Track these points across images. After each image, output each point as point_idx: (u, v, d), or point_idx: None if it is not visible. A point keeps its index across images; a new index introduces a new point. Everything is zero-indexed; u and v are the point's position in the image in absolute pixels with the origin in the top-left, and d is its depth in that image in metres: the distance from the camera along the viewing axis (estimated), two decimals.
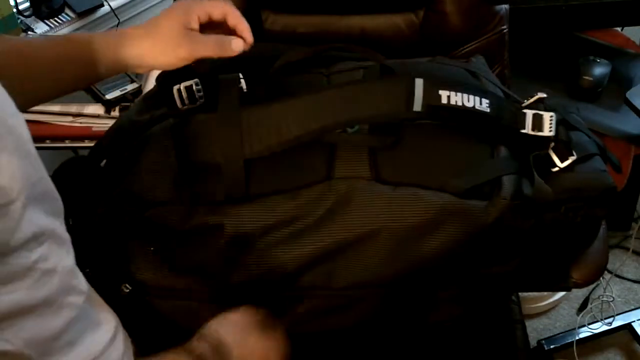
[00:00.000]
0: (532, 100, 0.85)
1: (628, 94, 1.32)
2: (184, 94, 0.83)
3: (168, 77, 0.87)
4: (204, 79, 0.85)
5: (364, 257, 0.79)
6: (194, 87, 0.84)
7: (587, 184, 0.81)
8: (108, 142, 0.85)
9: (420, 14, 1.10)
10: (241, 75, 0.84)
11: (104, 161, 0.86)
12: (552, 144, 0.82)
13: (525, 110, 0.83)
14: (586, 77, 1.44)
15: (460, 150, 0.81)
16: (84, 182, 0.84)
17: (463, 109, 0.79)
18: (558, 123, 0.83)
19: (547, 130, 0.81)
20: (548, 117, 0.82)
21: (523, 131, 0.82)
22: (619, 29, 1.64)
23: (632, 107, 1.30)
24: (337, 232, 0.77)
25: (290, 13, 1.11)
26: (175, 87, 0.83)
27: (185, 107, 0.83)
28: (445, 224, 0.77)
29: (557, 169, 0.82)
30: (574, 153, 0.82)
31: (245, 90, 0.83)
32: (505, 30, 1.10)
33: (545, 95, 0.85)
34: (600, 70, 1.45)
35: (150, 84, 1.24)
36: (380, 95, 0.78)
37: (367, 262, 0.79)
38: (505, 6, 1.09)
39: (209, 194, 0.78)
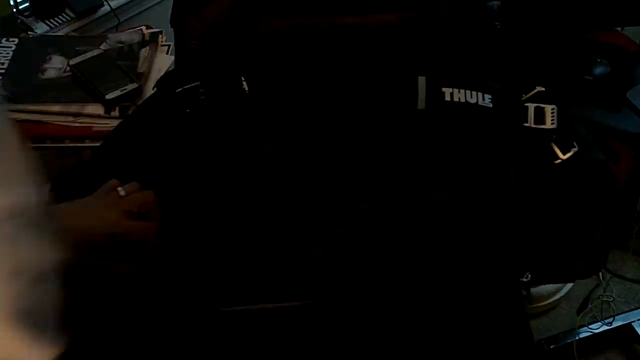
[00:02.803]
0: (531, 93, 0.85)
1: (628, 94, 1.33)
2: (187, 97, 0.83)
3: (169, 80, 0.88)
4: (206, 81, 0.85)
5: (367, 258, 0.78)
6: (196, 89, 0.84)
7: (588, 175, 0.81)
8: (108, 149, 0.85)
9: (415, 12, 1.11)
10: (243, 78, 0.84)
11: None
12: (554, 136, 0.82)
13: (527, 104, 0.83)
14: (586, 77, 1.44)
15: (464, 145, 0.81)
16: (85, 190, 0.85)
17: (466, 105, 0.79)
18: (558, 115, 0.83)
19: (549, 123, 0.82)
20: (550, 110, 0.82)
21: (525, 125, 0.82)
22: (619, 29, 1.64)
23: (632, 107, 1.30)
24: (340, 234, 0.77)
25: (284, 14, 1.11)
26: (178, 90, 0.83)
27: (187, 110, 0.83)
28: (451, 222, 0.77)
29: (559, 160, 0.82)
30: (575, 145, 0.82)
31: (247, 92, 0.83)
32: (498, 27, 1.10)
33: (543, 89, 0.85)
34: (600, 70, 1.45)
35: (151, 84, 1.24)
36: (385, 94, 0.79)
37: (371, 263, 0.79)
38: (496, 2, 1.10)
39: (214, 196, 0.78)
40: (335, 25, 1.11)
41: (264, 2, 1.09)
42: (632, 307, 1.72)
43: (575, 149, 0.82)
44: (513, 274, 0.84)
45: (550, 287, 1.68)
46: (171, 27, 1.37)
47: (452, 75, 0.84)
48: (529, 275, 0.84)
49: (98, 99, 1.20)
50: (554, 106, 0.82)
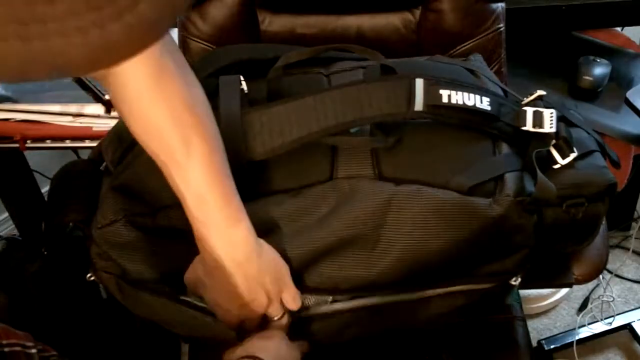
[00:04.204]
0: (531, 97, 0.85)
1: (628, 94, 1.32)
2: None
3: None
4: (205, 80, 0.85)
5: (368, 254, 0.78)
6: None
7: (588, 180, 0.81)
8: (109, 145, 0.85)
9: (417, 12, 1.11)
10: (242, 77, 0.84)
11: (104, 164, 0.86)
12: (553, 141, 0.82)
13: (525, 108, 0.83)
14: (586, 77, 1.44)
15: (462, 148, 0.81)
16: (86, 185, 0.85)
17: (464, 107, 0.79)
18: (558, 120, 0.83)
19: (548, 127, 0.82)
20: (548, 114, 0.82)
21: (524, 128, 0.82)
22: (619, 29, 1.64)
23: (632, 107, 1.30)
24: (341, 228, 0.77)
25: (286, 13, 1.11)
26: None
27: None
28: (450, 221, 0.77)
29: (558, 165, 0.82)
30: (575, 150, 0.82)
31: (246, 92, 0.83)
32: (502, 29, 1.10)
33: (544, 93, 0.85)
34: (600, 70, 1.45)
35: None
36: (381, 96, 0.79)
37: (372, 259, 0.78)
38: (501, 4, 1.10)
39: None
40: (338, 24, 1.12)
41: (267, 0, 1.09)
42: (632, 307, 1.72)
43: (575, 154, 0.82)
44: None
45: None
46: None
47: (449, 76, 0.84)
48: (519, 279, 0.83)
49: (98, 99, 1.20)
50: (552, 110, 0.82)
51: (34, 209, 1.58)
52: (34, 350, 0.68)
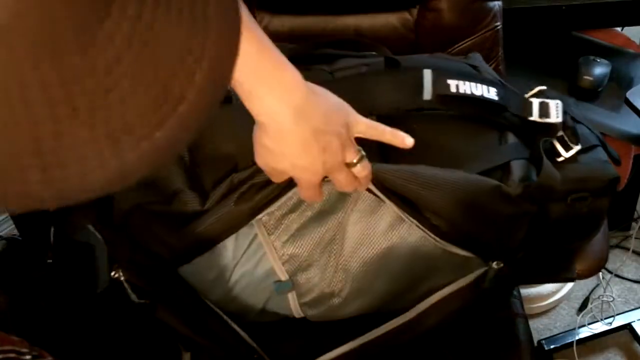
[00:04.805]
0: (532, 92, 0.86)
1: (628, 94, 1.33)
2: None
3: None
4: None
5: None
6: None
7: (592, 174, 0.81)
8: None
9: (415, 12, 1.11)
10: None
11: None
12: (559, 133, 0.82)
13: (531, 99, 0.83)
14: (586, 77, 1.44)
15: (469, 138, 0.82)
16: None
17: (472, 96, 0.79)
18: (564, 111, 0.83)
19: (555, 117, 0.82)
20: (554, 104, 0.82)
21: (531, 119, 0.82)
22: (619, 29, 1.64)
23: (632, 107, 1.31)
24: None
25: (285, 13, 1.12)
26: None
27: None
28: (461, 191, 0.76)
29: (562, 158, 0.82)
30: (579, 143, 0.82)
31: None
32: (499, 27, 1.10)
33: (545, 88, 0.86)
34: (600, 70, 1.45)
35: None
36: (390, 87, 0.79)
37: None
38: (498, 3, 1.10)
39: (222, 183, 0.78)
40: (337, 25, 1.12)
41: (265, 1, 1.10)
42: (632, 307, 1.72)
43: (579, 147, 0.82)
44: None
45: (550, 287, 1.68)
46: None
47: (455, 69, 0.85)
48: (502, 265, 0.81)
49: None
50: (558, 101, 0.83)
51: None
52: (28, 357, 0.67)
